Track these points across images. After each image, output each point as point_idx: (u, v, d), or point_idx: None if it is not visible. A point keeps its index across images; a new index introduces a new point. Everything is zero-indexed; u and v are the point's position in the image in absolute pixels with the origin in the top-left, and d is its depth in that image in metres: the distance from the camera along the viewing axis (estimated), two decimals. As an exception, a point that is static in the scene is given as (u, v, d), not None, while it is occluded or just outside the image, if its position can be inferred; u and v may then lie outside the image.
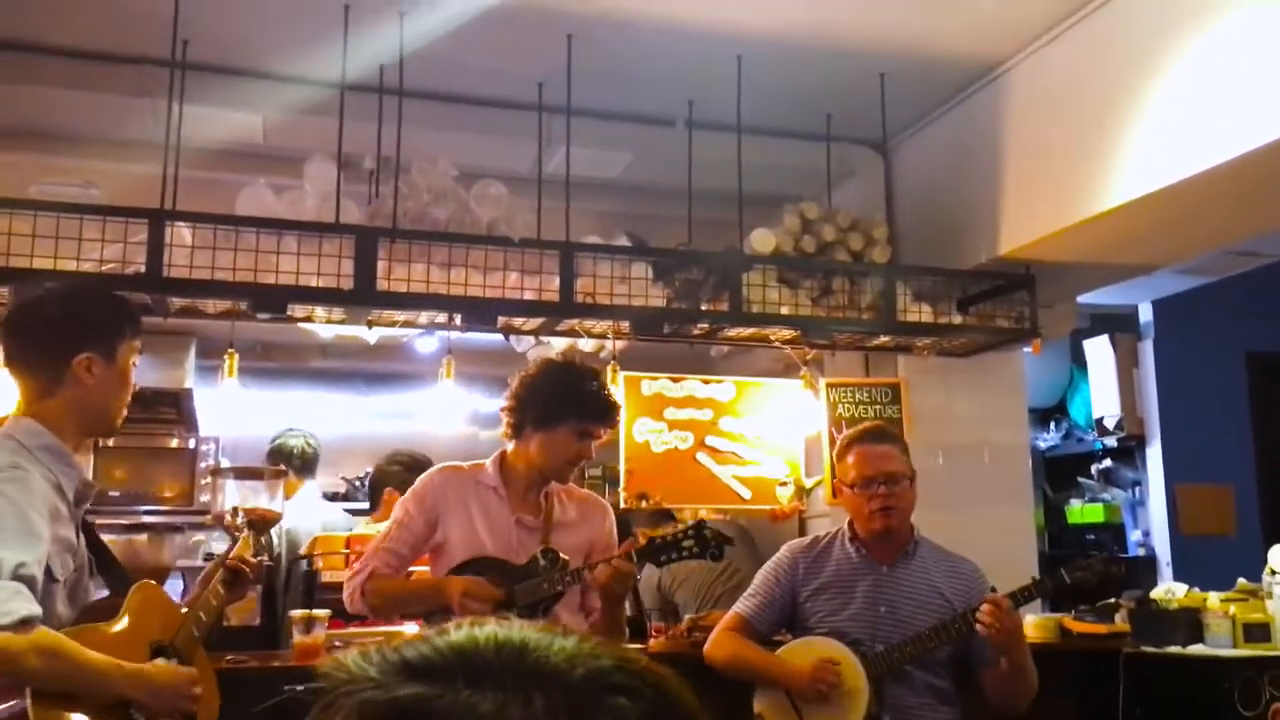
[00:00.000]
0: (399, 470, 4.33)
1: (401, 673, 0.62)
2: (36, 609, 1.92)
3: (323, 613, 3.47)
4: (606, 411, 2.89)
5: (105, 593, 2.31)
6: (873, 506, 2.98)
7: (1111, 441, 6.17)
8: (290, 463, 4.56)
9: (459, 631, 0.65)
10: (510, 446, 2.91)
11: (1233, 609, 3.77)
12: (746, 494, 4.32)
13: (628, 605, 3.69)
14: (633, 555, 2.70)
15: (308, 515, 4.43)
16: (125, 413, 2.32)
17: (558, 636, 0.66)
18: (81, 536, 2.26)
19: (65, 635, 1.98)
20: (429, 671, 0.62)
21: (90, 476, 2.33)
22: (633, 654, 0.67)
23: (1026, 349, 4.54)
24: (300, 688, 2.12)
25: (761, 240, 4.03)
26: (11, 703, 1.89)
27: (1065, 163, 3.79)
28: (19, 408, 2.24)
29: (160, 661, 2.14)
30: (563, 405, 2.81)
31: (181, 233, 3.49)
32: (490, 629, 0.65)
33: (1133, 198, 3.51)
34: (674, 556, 2.76)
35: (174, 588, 4.25)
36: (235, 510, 2.84)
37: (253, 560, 2.58)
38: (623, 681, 0.63)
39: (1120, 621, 3.95)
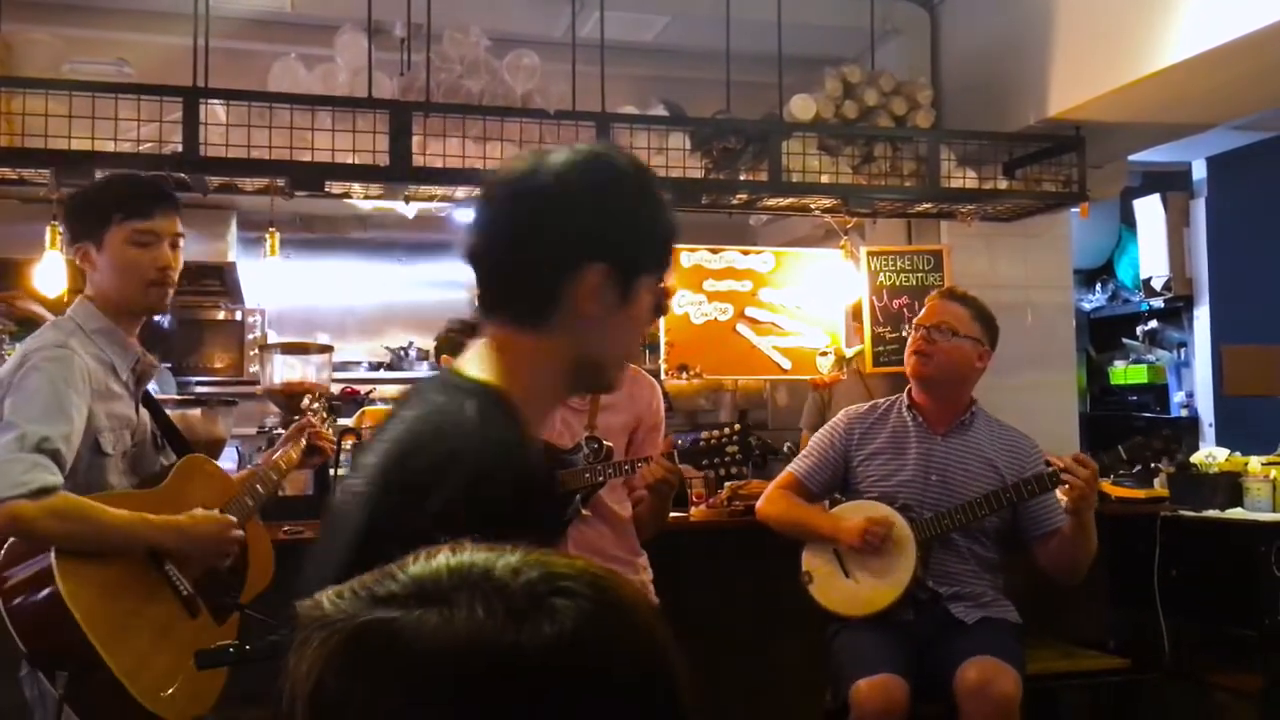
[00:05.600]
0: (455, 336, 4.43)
1: (368, 604, 0.67)
2: (55, 479, 2.03)
3: (372, 485, 3.57)
4: None
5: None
6: (909, 349, 3.08)
7: (1158, 302, 6.09)
8: None
9: (417, 564, 0.69)
10: None
11: (1273, 473, 3.77)
12: (786, 364, 4.33)
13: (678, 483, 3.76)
14: (675, 458, 2.68)
15: None
16: (152, 291, 2.31)
17: (505, 554, 0.70)
18: (144, 411, 2.36)
19: (95, 499, 2.10)
20: (390, 600, 0.67)
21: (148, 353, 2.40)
22: (573, 561, 0.71)
23: (1074, 211, 4.45)
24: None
25: (802, 107, 3.93)
26: (39, 559, 2.04)
27: (1119, 19, 3.63)
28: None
29: (197, 511, 2.23)
30: None
31: (216, 110, 3.46)
32: (443, 557, 0.69)
33: (1189, 56, 3.36)
34: (716, 462, 2.73)
35: (229, 458, 4.38)
36: (316, 393, 2.92)
37: (329, 435, 2.67)
38: (562, 585, 0.67)
39: (1159, 486, 3.98)
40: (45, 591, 2.01)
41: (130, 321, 2.35)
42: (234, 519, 2.29)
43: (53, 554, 2.02)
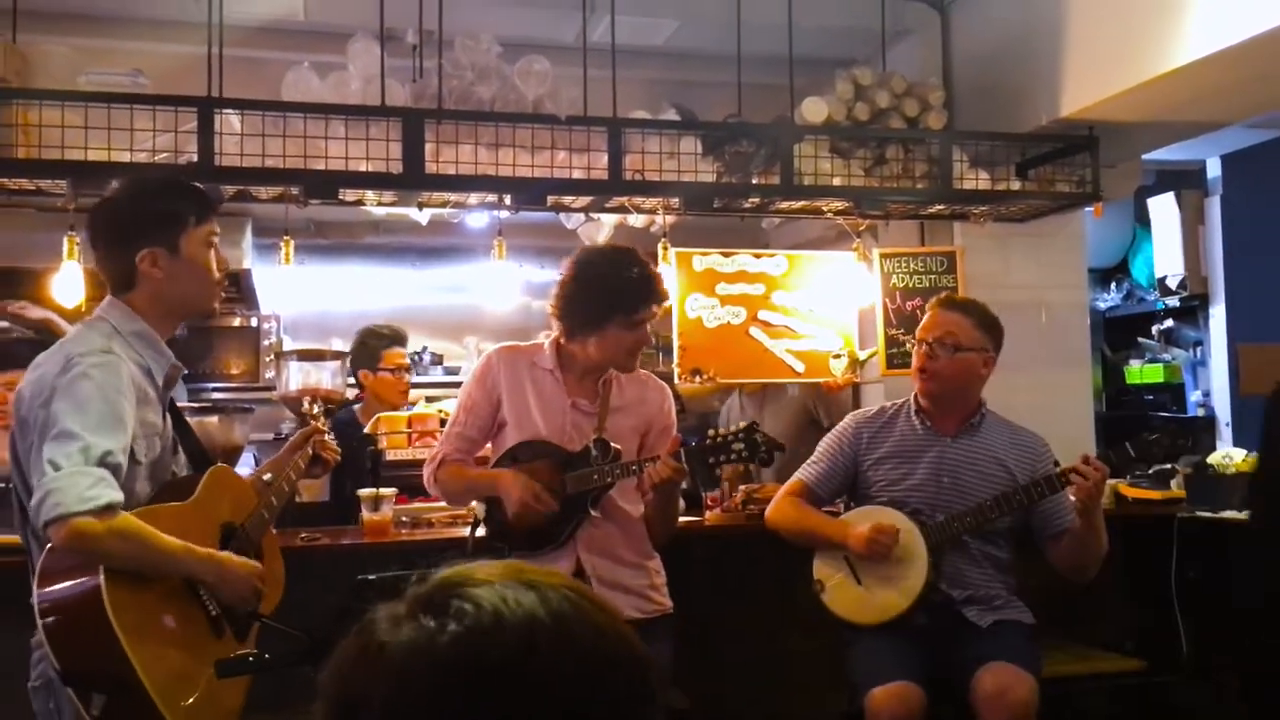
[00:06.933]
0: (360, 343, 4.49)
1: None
2: (118, 495, 2.00)
3: (389, 491, 3.59)
4: (649, 295, 2.76)
5: (187, 471, 2.41)
6: (914, 364, 3.08)
7: (1174, 301, 6.05)
8: None
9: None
10: None
11: (1291, 473, 3.75)
12: (800, 367, 4.33)
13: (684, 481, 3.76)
14: (682, 455, 2.67)
15: None
16: (217, 292, 2.34)
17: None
18: (168, 417, 2.34)
19: (140, 514, 2.07)
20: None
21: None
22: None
23: (1088, 210, 4.43)
24: (372, 576, 2.22)
25: (813, 110, 3.93)
26: (85, 578, 2.00)
27: (1132, 18, 3.62)
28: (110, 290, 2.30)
29: (231, 555, 2.23)
30: (604, 305, 2.73)
31: (230, 120, 3.49)
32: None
33: (1203, 55, 3.35)
34: (723, 459, 2.72)
35: (246, 463, 4.40)
36: (313, 399, 2.91)
37: (332, 445, 2.67)
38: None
39: (1176, 487, 3.96)
40: (91, 612, 1.95)
41: (171, 325, 2.33)
42: (263, 570, 2.27)
43: (102, 574, 1.98)
